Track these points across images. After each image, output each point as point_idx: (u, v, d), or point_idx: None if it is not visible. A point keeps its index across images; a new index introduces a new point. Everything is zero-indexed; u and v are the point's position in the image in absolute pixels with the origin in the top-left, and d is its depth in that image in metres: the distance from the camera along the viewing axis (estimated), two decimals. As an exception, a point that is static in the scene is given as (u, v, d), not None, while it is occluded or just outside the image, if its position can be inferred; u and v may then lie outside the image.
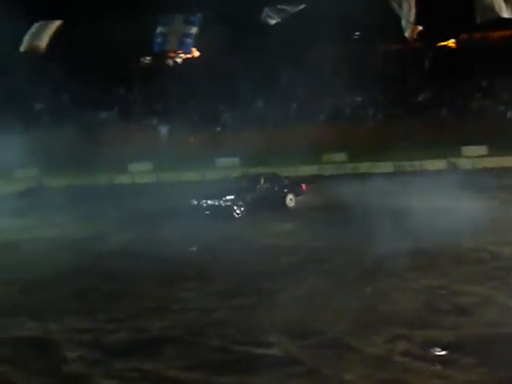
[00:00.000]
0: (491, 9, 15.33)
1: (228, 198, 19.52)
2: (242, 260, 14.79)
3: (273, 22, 20.21)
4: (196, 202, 19.66)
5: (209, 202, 19.51)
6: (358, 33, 41.56)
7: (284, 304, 11.71)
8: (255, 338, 10.24)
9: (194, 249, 16.10)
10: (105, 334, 10.78)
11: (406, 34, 19.60)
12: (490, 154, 26.85)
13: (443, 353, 9.37)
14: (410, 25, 19.21)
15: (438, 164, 26.32)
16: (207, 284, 13.15)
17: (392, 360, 9.20)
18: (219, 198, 19.50)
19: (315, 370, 9.10)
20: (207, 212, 19.34)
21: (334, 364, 9.20)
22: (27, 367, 9.74)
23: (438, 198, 19.47)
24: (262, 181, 20.42)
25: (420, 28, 19.50)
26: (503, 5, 15.02)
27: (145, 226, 18.92)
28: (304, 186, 21.27)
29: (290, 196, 20.47)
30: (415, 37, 20.82)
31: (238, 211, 19.35)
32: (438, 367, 8.94)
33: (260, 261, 14.65)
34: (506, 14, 15.48)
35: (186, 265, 14.53)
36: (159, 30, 30.17)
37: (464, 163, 26.32)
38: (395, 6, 19.27)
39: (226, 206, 19.36)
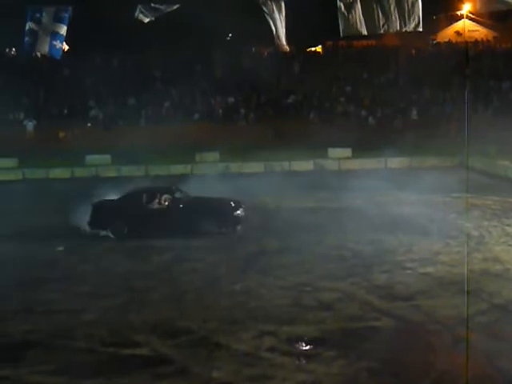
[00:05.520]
0: (353, 26, 17.03)
1: None
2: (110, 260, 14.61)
3: (146, 20, 19.92)
4: None
5: None
6: (230, 34, 42.28)
7: (155, 303, 11.71)
8: (124, 338, 10.17)
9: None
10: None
11: (282, 38, 20.24)
12: (354, 156, 28.12)
13: (307, 347, 9.79)
14: (282, 29, 19.91)
15: (306, 165, 27.18)
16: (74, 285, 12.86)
17: (259, 356, 9.48)
18: None
19: (184, 369, 9.18)
20: None
21: (203, 362, 9.33)
22: None
23: (305, 198, 20.22)
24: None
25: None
26: (363, 24, 16.93)
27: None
28: None
29: None
30: (285, 42, 21.29)
31: None
32: (303, 361, 9.33)
33: (133, 260, 14.55)
34: (365, 32, 17.31)
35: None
36: None
37: (330, 164, 27.41)
38: (267, 9, 19.71)
39: None
